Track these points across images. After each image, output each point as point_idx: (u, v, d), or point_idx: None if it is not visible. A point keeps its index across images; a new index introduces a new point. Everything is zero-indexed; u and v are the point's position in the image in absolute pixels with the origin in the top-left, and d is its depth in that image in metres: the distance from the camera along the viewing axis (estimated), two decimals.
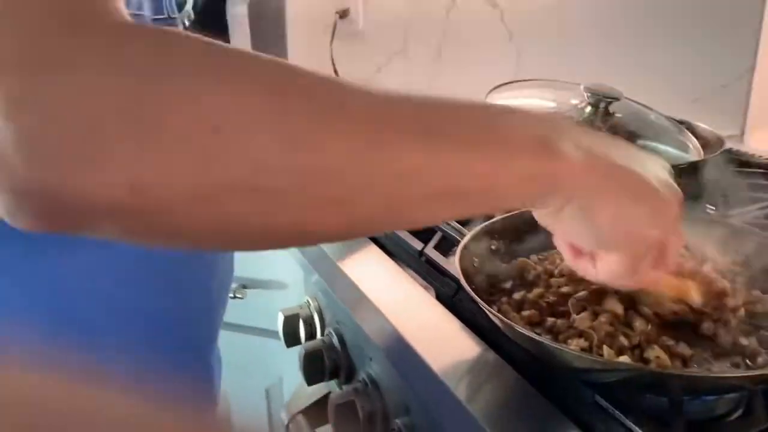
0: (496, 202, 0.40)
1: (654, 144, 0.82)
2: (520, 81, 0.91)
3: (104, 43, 0.27)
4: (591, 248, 0.43)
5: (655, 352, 0.46)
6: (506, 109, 0.43)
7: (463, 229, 0.64)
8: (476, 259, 0.61)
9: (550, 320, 0.52)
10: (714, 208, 0.81)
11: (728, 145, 0.83)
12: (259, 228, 0.31)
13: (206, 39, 0.29)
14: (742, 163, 0.90)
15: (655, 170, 0.42)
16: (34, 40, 0.25)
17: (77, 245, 0.43)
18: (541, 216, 0.42)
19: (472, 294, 0.51)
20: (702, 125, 0.88)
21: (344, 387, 0.72)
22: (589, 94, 0.81)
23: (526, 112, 0.43)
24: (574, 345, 0.48)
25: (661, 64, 1.24)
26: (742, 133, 1.18)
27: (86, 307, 0.46)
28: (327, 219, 0.32)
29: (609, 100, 0.80)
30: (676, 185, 0.43)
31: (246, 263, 0.94)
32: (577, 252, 0.45)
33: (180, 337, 0.53)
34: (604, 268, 0.43)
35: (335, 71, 1.38)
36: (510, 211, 0.68)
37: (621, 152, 0.41)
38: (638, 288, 0.48)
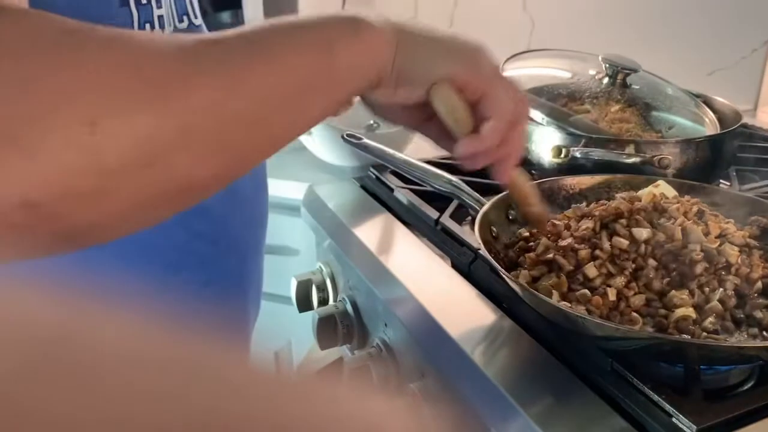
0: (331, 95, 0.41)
1: (671, 116, 0.82)
2: (535, 51, 0.90)
3: None
4: (421, 98, 0.46)
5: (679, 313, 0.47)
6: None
7: (481, 197, 0.65)
8: (494, 228, 0.61)
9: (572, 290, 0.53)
10: (728, 182, 0.82)
11: (744, 119, 0.82)
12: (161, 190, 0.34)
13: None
14: (757, 137, 0.90)
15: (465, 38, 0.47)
16: None
17: None
18: (376, 98, 0.46)
19: (494, 262, 0.52)
20: (719, 98, 0.87)
21: (356, 352, 0.73)
22: (607, 65, 0.80)
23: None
24: (582, 310, 0.49)
25: (677, 37, 1.23)
26: (756, 107, 1.17)
27: None
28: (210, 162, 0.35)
29: (627, 71, 0.79)
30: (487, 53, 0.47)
31: None
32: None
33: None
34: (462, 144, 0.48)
35: None
36: None
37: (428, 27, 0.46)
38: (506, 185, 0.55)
